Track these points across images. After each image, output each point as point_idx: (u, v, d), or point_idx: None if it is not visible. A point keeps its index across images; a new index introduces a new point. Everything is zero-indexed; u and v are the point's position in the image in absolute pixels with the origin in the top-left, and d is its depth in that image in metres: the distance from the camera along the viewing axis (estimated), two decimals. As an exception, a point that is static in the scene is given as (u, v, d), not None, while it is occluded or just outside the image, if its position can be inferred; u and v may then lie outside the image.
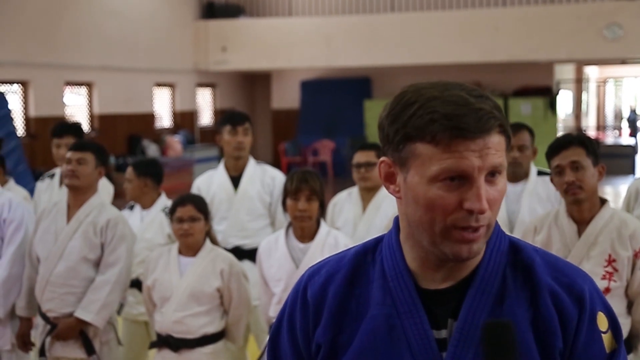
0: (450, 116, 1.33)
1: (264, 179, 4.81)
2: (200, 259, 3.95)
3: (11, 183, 5.01)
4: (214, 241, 4.11)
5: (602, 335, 1.43)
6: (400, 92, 1.41)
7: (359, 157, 4.39)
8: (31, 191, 5.82)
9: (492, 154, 1.35)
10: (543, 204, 4.18)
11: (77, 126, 5.32)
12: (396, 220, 1.49)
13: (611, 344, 1.44)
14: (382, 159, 1.44)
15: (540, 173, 4.32)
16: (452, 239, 1.36)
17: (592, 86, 25.35)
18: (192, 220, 3.90)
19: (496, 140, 1.36)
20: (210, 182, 4.93)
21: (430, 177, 1.35)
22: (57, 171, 5.22)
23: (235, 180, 4.88)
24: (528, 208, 4.19)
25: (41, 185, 5.28)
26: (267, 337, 1.75)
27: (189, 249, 3.97)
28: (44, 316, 4.10)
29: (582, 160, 3.15)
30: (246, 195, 4.82)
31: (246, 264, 4.48)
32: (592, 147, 3.19)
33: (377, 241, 1.53)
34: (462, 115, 1.33)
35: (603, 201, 3.26)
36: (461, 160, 1.33)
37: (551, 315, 1.40)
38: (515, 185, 4.24)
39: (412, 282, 1.44)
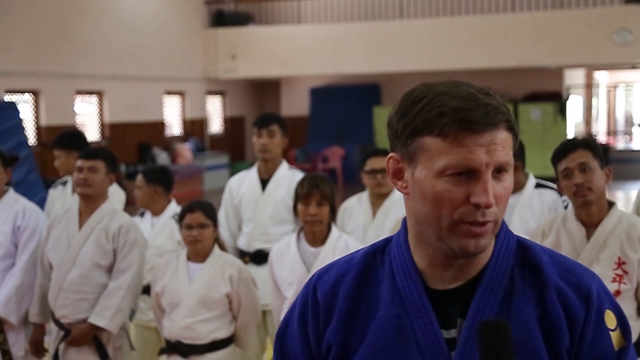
0: (458, 109, 1.35)
1: (291, 184, 4.60)
2: (209, 265, 3.97)
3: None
4: (223, 247, 4.13)
5: (611, 332, 1.43)
6: (409, 90, 1.44)
7: (374, 163, 4.34)
8: (42, 200, 5.84)
9: (500, 151, 1.36)
10: (537, 217, 4.11)
11: (82, 136, 5.35)
12: (404, 221, 1.51)
13: (620, 341, 1.45)
14: (390, 154, 1.45)
15: (538, 186, 4.25)
16: (459, 233, 1.37)
17: (602, 91, 25.29)
18: (201, 227, 3.92)
19: (503, 137, 1.37)
20: (241, 183, 4.92)
21: (437, 171, 1.36)
22: (70, 178, 5.24)
23: (265, 183, 4.83)
24: (520, 220, 4.13)
25: (54, 193, 5.28)
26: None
27: (198, 255, 3.99)
28: (57, 322, 4.13)
29: (590, 162, 3.16)
30: (271, 199, 4.78)
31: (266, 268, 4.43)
32: (598, 149, 3.20)
33: (386, 242, 1.54)
34: (471, 109, 1.35)
35: (611, 204, 3.26)
36: (469, 155, 1.35)
37: (558, 313, 1.41)
38: (510, 196, 4.13)
39: (420, 281, 1.45)
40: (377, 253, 1.53)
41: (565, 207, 4.08)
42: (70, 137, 5.23)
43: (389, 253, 1.51)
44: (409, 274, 1.45)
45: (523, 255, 1.47)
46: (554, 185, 4.09)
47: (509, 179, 1.40)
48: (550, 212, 4.07)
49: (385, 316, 1.45)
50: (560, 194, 4.11)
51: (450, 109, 1.35)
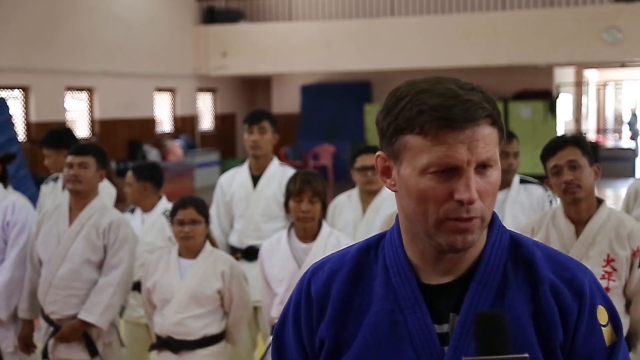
0: (437, 107, 1.35)
1: (282, 180, 4.59)
2: (201, 261, 3.97)
3: None
4: (214, 244, 4.13)
5: (602, 328, 1.44)
6: (394, 88, 1.44)
7: (364, 160, 4.38)
8: (32, 196, 5.82)
9: (482, 147, 1.36)
10: (526, 212, 4.18)
11: (71, 134, 5.34)
12: (398, 217, 1.51)
13: (611, 337, 1.45)
14: (377, 153, 1.46)
15: (522, 181, 4.35)
16: (445, 229, 1.37)
17: (592, 89, 25.37)
18: (193, 223, 3.92)
19: (486, 132, 1.37)
20: (233, 180, 4.94)
21: (420, 168, 1.37)
22: (61, 175, 5.23)
23: (257, 180, 4.85)
24: (511, 216, 4.19)
25: (45, 189, 5.27)
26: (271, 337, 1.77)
27: (190, 251, 3.99)
28: (47, 318, 4.12)
29: (579, 159, 3.17)
30: (262, 195, 4.80)
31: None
32: (587, 147, 3.21)
33: (380, 237, 1.55)
34: (450, 106, 1.35)
35: (599, 201, 3.28)
36: (449, 152, 1.35)
37: (552, 308, 1.41)
38: (499, 193, 4.21)
39: (413, 276, 1.45)
40: (370, 249, 1.53)
41: (550, 202, 4.18)
42: (60, 135, 5.22)
43: (383, 249, 1.51)
44: (403, 269, 1.46)
45: (516, 251, 1.47)
46: (536, 180, 4.17)
47: (494, 174, 1.40)
48: (539, 206, 4.14)
49: (378, 312, 1.45)
50: (545, 188, 4.18)
51: (430, 107, 1.35)
